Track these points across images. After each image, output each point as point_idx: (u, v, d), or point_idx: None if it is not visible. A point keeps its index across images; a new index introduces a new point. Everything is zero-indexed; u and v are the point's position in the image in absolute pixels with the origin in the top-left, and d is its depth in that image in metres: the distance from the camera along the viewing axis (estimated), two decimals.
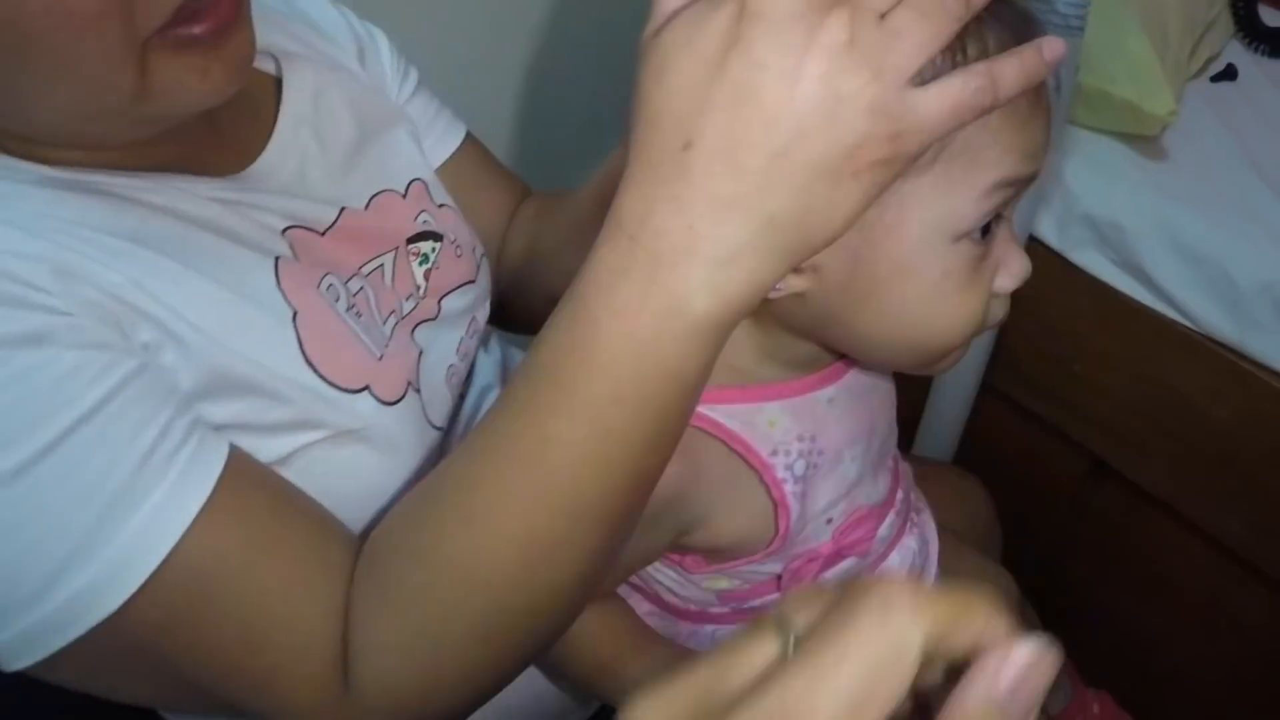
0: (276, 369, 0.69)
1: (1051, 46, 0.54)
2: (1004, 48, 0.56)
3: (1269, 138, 1.47)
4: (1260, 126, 1.48)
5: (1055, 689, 1.42)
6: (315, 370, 0.71)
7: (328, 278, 0.77)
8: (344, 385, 0.73)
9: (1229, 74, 1.54)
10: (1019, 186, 0.64)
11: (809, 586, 0.54)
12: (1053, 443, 1.57)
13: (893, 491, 0.91)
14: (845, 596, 0.34)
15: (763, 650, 0.36)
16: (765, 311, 0.69)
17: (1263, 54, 1.60)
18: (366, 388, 0.75)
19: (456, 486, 0.62)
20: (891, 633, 0.33)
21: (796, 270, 0.61)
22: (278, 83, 0.87)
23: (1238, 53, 1.62)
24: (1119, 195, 1.37)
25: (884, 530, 0.88)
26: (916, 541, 0.94)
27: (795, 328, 0.72)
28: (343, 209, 0.84)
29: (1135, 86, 1.34)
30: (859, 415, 0.83)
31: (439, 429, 0.84)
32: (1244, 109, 1.52)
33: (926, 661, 0.34)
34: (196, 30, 0.64)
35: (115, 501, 0.58)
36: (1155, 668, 1.59)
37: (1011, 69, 0.53)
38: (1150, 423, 1.43)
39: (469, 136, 1.08)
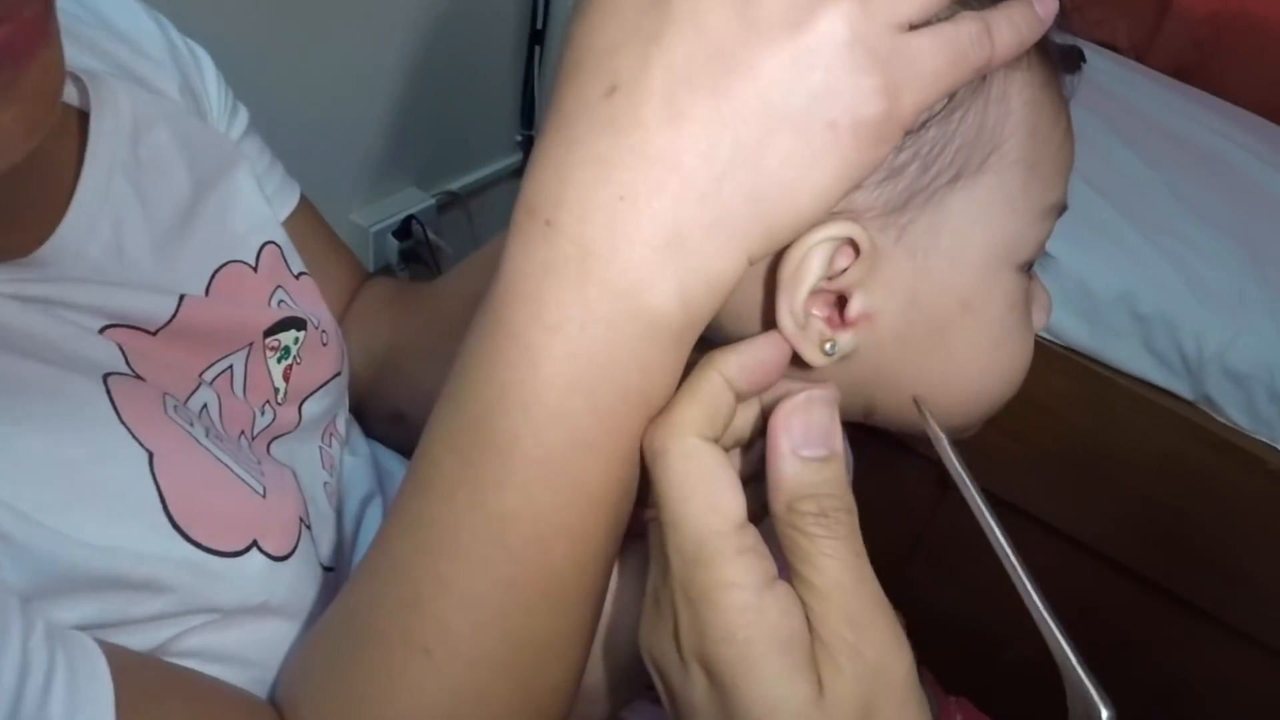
0: (138, 547, 0.49)
1: (1045, 4, 0.45)
2: None
3: (1093, 155, 1.54)
4: (1081, 145, 1.48)
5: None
6: (186, 535, 0.51)
7: (168, 398, 0.56)
8: (226, 548, 0.53)
9: None
10: (1060, 215, 0.54)
11: None
12: (901, 458, 1.59)
13: None
14: None
15: None
16: None
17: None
18: (253, 544, 0.54)
19: (390, 614, 0.47)
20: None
21: (845, 324, 0.48)
22: (81, 116, 0.61)
23: None
24: None
25: None
26: None
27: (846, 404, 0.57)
28: (183, 296, 0.60)
29: None
30: None
31: (330, 569, 0.62)
32: None
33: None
34: None
35: None
36: (1009, 665, 1.63)
37: (1004, 24, 0.43)
38: (1004, 432, 1.46)
39: (304, 198, 0.82)
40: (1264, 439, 1.35)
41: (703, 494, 0.42)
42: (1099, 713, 0.36)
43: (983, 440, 1.48)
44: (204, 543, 0.51)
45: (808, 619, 0.41)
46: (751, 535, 0.42)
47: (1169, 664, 1.55)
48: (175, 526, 0.50)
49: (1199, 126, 1.72)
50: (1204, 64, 1.92)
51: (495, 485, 0.43)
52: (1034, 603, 0.41)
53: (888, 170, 0.46)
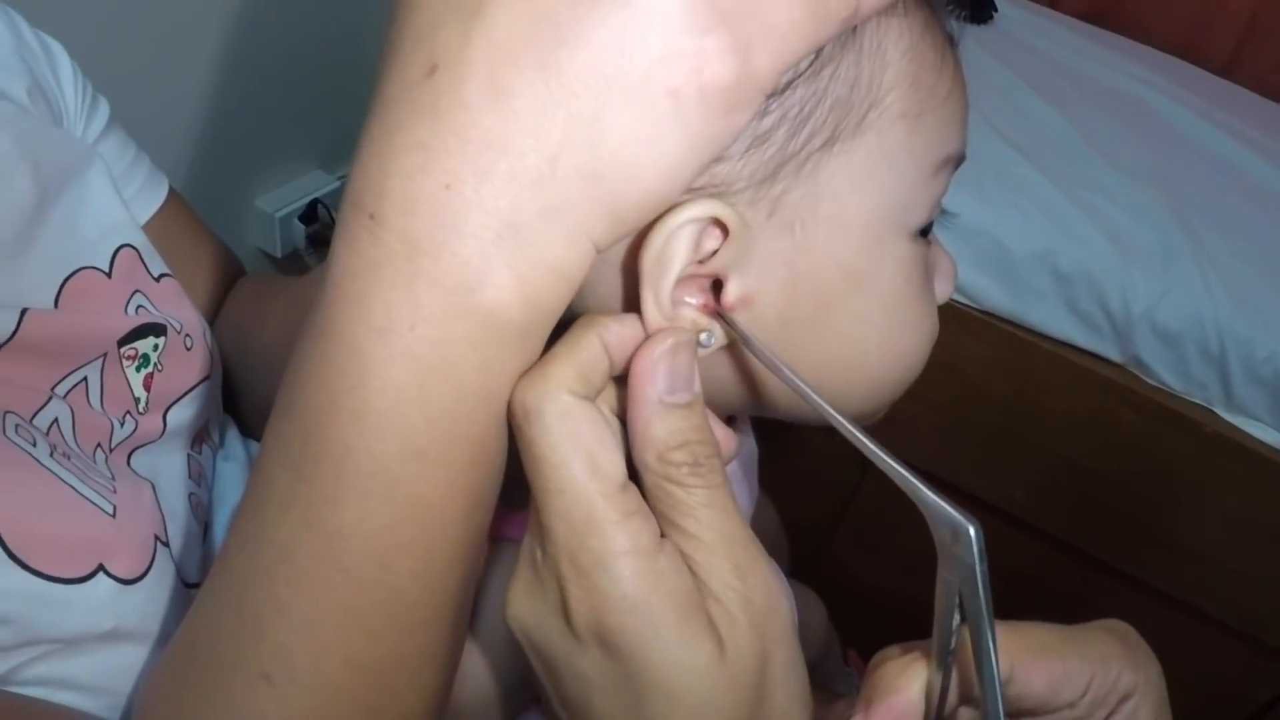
0: None
1: None
2: None
3: (1004, 108, 1.48)
4: (992, 97, 1.50)
5: (845, 680, 1.41)
6: (23, 564, 0.50)
7: (9, 417, 0.55)
8: (68, 574, 0.52)
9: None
10: (956, 168, 0.50)
11: None
12: (820, 432, 1.53)
13: None
14: None
15: None
16: None
17: (961, 19, 1.61)
18: (100, 568, 0.54)
19: (231, 638, 0.45)
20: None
21: (721, 309, 0.45)
22: None
23: None
24: None
25: None
26: None
27: (711, 397, 0.50)
28: (24, 310, 0.59)
29: None
30: (741, 499, 0.65)
31: (196, 585, 0.60)
32: (970, 81, 1.50)
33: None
34: None
35: None
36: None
37: None
38: (923, 401, 1.40)
39: (173, 192, 0.80)
40: (1198, 401, 1.30)
41: (584, 456, 0.40)
42: (965, 530, 0.36)
43: (901, 411, 1.41)
44: (43, 570, 0.51)
45: (694, 574, 0.40)
46: (635, 496, 0.41)
47: None
48: (10, 555, 0.50)
49: (1116, 72, 1.67)
50: (1118, 4, 1.86)
51: (330, 501, 0.41)
52: (864, 443, 0.40)
53: (752, 137, 0.42)
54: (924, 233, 0.48)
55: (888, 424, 1.50)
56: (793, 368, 0.46)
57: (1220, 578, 1.38)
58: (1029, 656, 0.40)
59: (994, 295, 1.33)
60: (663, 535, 0.41)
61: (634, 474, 0.42)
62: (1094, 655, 0.41)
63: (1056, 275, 1.29)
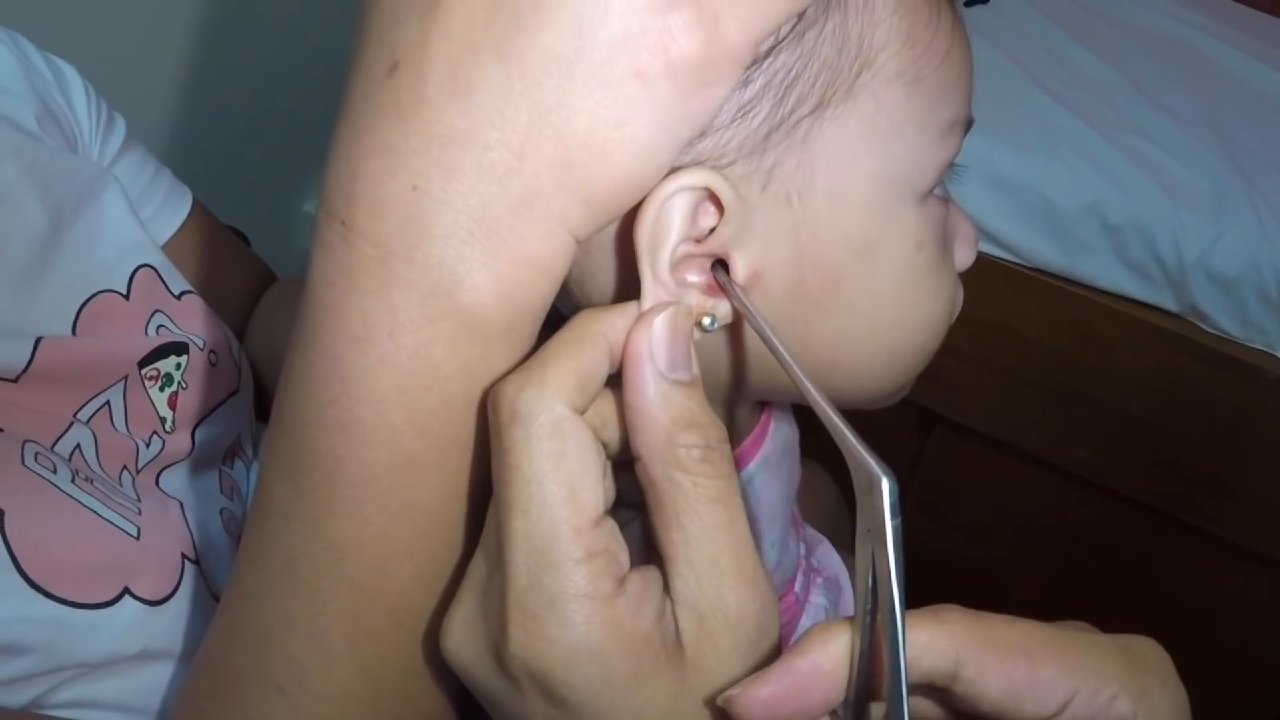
0: None
1: None
2: None
3: (1044, 57, 1.45)
4: (1031, 47, 1.47)
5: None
6: (45, 592, 0.51)
7: (29, 446, 0.56)
8: (93, 600, 0.52)
9: None
10: (967, 132, 0.47)
11: None
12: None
13: (799, 552, 0.72)
14: None
15: None
16: None
17: None
18: (125, 591, 0.54)
19: (245, 651, 0.45)
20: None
21: (730, 283, 0.43)
22: None
23: None
24: None
25: (789, 598, 0.72)
26: (825, 595, 0.78)
27: (726, 381, 0.51)
28: (39, 340, 0.59)
29: None
30: (779, 485, 0.62)
31: None
32: (1008, 32, 1.49)
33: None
34: None
35: None
36: (1015, 608, 1.58)
37: None
38: (978, 364, 1.38)
39: (197, 205, 0.80)
40: (1259, 346, 1.27)
41: (564, 479, 0.37)
42: (879, 482, 0.33)
43: (956, 374, 1.39)
44: (67, 597, 0.51)
45: (677, 589, 0.37)
46: (606, 534, 0.37)
47: (1179, 589, 1.48)
48: (32, 584, 0.50)
49: (1158, 14, 1.63)
50: None
51: (325, 511, 0.40)
52: (803, 383, 0.38)
53: (736, 108, 0.40)
54: (939, 193, 0.46)
55: (947, 390, 1.48)
56: (805, 346, 0.45)
57: None
58: (988, 651, 0.34)
59: (1043, 251, 1.30)
60: (652, 546, 0.38)
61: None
62: (1083, 669, 0.34)
63: (1106, 226, 1.26)
